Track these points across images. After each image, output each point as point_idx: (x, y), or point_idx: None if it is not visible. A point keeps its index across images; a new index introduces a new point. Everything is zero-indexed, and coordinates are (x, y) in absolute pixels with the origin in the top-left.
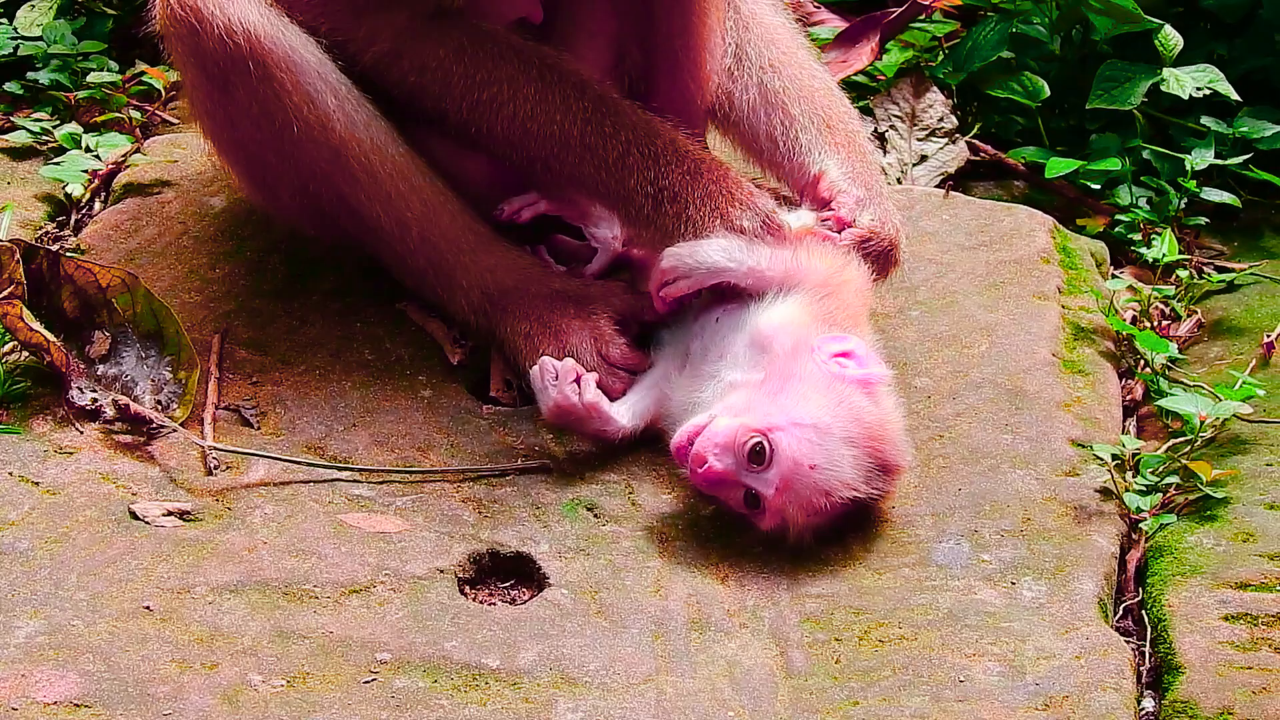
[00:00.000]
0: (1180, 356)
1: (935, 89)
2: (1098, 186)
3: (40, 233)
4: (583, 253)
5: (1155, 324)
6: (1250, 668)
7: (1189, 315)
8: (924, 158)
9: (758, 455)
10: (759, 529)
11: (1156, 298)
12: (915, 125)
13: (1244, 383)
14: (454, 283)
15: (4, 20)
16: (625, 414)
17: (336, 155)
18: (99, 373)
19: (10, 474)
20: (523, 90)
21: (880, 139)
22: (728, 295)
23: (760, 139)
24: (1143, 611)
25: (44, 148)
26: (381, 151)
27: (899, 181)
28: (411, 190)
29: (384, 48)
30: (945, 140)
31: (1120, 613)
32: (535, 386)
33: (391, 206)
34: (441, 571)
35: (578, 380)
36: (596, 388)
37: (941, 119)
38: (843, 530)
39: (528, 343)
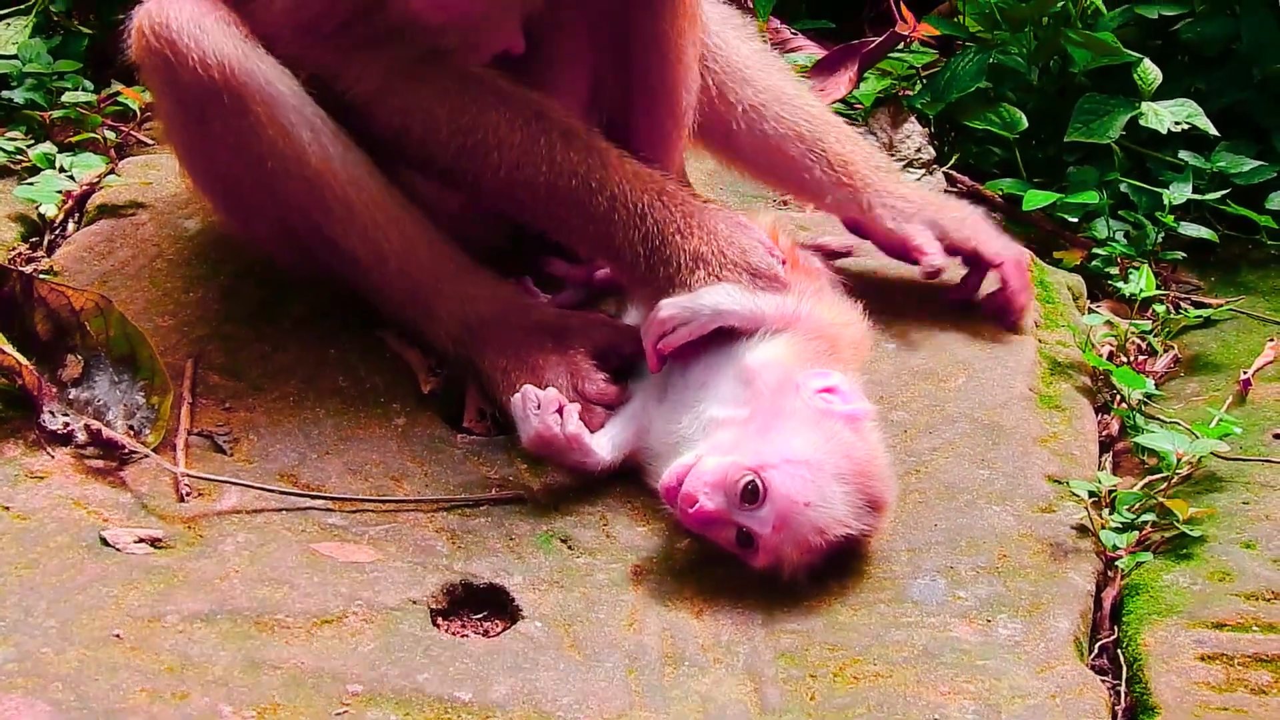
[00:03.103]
0: (1157, 392)
1: (913, 119)
2: (1075, 219)
3: (13, 253)
4: (575, 275)
5: (1132, 359)
6: (1226, 709)
7: (1166, 350)
8: None
9: (751, 494)
10: (749, 566)
11: (1133, 333)
12: (893, 156)
13: (1221, 420)
14: (432, 314)
15: None
16: (606, 446)
17: (313, 188)
18: (71, 397)
19: None
20: (508, 138)
21: None
22: (717, 335)
23: (799, 175)
24: (1118, 650)
25: (18, 167)
26: (358, 184)
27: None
28: (389, 221)
29: (370, 87)
30: (922, 171)
31: (1096, 651)
32: (516, 415)
33: (369, 238)
34: (414, 602)
35: (560, 410)
36: (579, 419)
37: (919, 150)
38: (818, 566)
39: (504, 378)
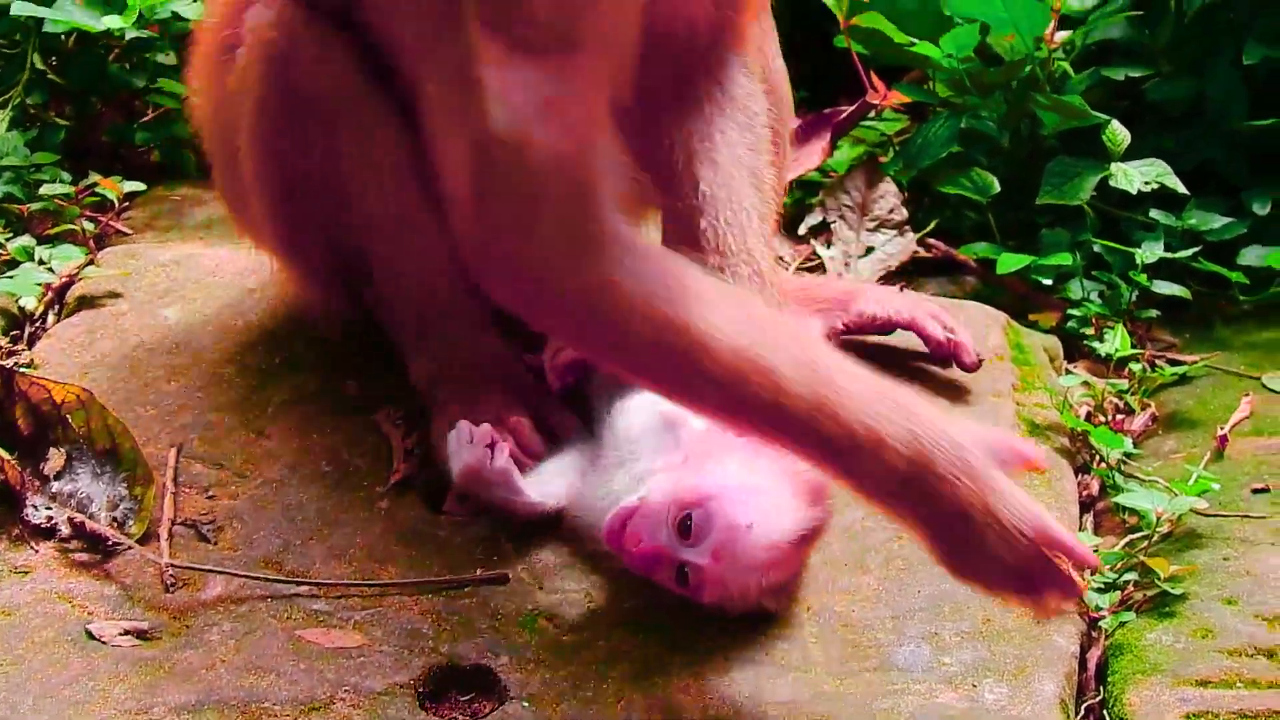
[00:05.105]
0: (1135, 451)
1: (889, 180)
2: (1049, 281)
3: None
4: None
5: (1110, 419)
6: None
7: (1143, 409)
8: (870, 250)
9: (688, 529)
10: (701, 607)
11: (1110, 392)
12: (866, 215)
13: (1199, 476)
14: (420, 353)
15: None
16: (534, 489)
17: (388, 201)
18: (54, 490)
19: None
20: None
21: (826, 230)
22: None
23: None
24: (1104, 711)
25: None
26: (422, 205)
27: (840, 276)
28: (433, 252)
29: None
30: (894, 232)
31: (1082, 712)
32: (450, 449)
33: (417, 269)
34: (401, 687)
35: (492, 445)
36: (509, 457)
37: (892, 210)
38: (801, 634)
39: (443, 413)
